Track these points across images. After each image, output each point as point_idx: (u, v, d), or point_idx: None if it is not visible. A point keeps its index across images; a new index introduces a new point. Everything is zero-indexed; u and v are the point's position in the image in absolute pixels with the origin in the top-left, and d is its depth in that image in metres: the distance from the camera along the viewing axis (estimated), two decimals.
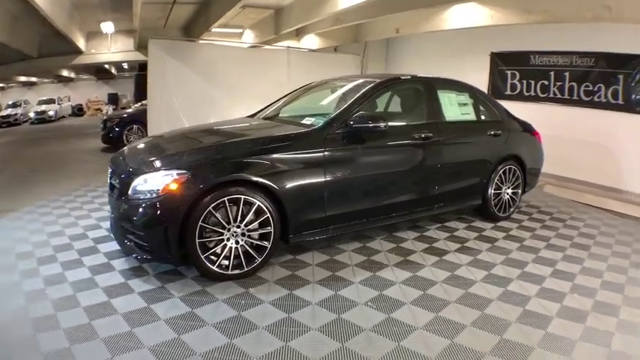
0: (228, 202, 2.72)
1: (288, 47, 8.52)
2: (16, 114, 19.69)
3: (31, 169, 7.18)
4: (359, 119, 3.18)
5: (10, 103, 21.24)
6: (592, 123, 6.13)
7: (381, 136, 3.34)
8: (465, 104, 4.22)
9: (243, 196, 2.74)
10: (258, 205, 2.79)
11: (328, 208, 3.11)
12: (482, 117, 4.36)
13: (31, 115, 20.08)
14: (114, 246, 3.38)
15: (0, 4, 8.44)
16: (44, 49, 12.99)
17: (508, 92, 7.28)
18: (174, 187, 2.63)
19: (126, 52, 14.45)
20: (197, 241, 2.65)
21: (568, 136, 6.20)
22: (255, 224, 2.83)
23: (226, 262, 2.78)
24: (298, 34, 10.20)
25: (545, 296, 2.79)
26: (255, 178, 2.78)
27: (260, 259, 2.87)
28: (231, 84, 7.45)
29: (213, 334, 2.25)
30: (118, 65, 22.44)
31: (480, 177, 4.10)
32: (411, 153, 3.59)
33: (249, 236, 2.82)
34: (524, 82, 7.10)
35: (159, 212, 2.65)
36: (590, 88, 6.14)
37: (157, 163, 2.86)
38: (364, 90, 3.49)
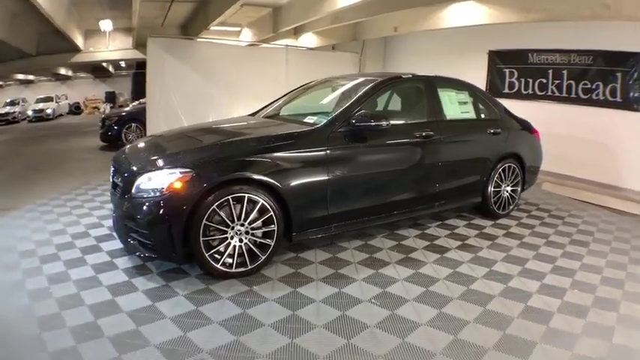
0: (232, 201, 2.73)
1: (287, 46, 8.52)
2: (14, 112, 19.64)
3: (30, 168, 7.17)
4: (361, 118, 3.20)
5: (8, 101, 21.14)
6: (590, 121, 6.16)
7: (383, 135, 3.37)
8: (465, 103, 4.25)
9: (247, 195, 2.75)
10: (262, 204, 2.80)
11: (331, 206, 3.13)
12: (482, 115, 4.39)
13: (29, 113, 20.05)
14: (116, 244, 3.39)
15: (0, 2, 8.42)
16: (43, 47, 12.95)
17: (506, 90, 7.29)
18: (178, 185, 2.64)
19: (124, 50, 14.41)
20: (201, 239, 2.67)
21: (566, 133, 6.23)
22: (259, 222, 2.84)
23: (230, 260, 2.79)
24: (296, 32, 10.20)
25: (546, 292, 2.83)
26: (258, 177, 2.79)
27: (264, 257, 2.89)
28: (230, 82, 7.46)
29: (220, 331, 2.27)
30: (115, 63, 22.36)
31: (480, 175, 4.13)
32: (412, 151, 3.61)
33: (252, 234, 2.84)
34: (523, 80, 7.11)
35: (163, 210, 2.65)
36: (589, 86, 6.16)
37: (161, 162, 2.87)
38: (366, 89, 3.50)
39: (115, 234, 3.52)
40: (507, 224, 4.20)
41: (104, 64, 22.04)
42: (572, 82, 6.37)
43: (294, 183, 2.93)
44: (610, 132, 5.97)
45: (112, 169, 3.26)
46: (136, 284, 2.77)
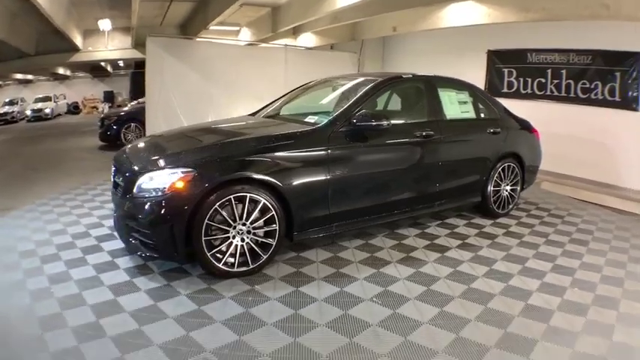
0: (234, 200, 2.73)
1: (286, 45, 8.53)
2: (12, 112, 19.63)
3: (29, 167, 7.15)
4: (362, 117, 3.21)
5: (7, 100, 21.12)
6: (589, 120, 6.18)
7: (383, 135, 3.38)
8: (464, 102, 4.26)
9: (248, 194, 2.76)
10: (264, 203, 2.81)
11: (332, 205, 3.14)
12: (482, 115, 4.40)
13: (28, 112, 20.03)
14: (117, 244, 3.39)
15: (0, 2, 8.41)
16: (42, 46, 12.93)
17: (505, 90, 7.31)
18: (180, 185, 2.65)
19: (123, 50, 14.39)
20: (203, 238, 2.67)
21: (565, 133, 6.25)
22: (261, 222, 2.85)
23: (232, 260, 2.80)
24: (295, 32, 10.20)
25: (546, 291, 2.84)
26: (260, 176, 2.80)
27: (265, 257, 2.90)
28: (229, 82, 7.47)
29: (223, 330, 2.27)
30: (113, 63, 22.32)
31: (479, 174, 4.15)
32: (412, 151, 3.63)
33: (254, 234, 2.84)
34: (521, 79, 7.13)
35: (165, 210, 2.66)
36: (587, 86, 6.18)
37: (163, 161, 2.87)
38: (366, 88, 3.51)
39: (115, 234, 3.52)
40: (507, 223, 4.22)
41: (102, 64, 21.99)
42: (571, 81, 6.39)
43: (295, 182, 2.94)
44: (609, 131, 5.99)
45: (113, 168, 3.26)
46: (138, 284, 2.77)
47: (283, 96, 4.43)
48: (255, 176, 2.79)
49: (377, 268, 3.09)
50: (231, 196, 2.71)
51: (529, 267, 3.22)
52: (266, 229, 2.88)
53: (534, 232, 4.02)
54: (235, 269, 2.81)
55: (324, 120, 3.25)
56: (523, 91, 7.08)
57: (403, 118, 3.91)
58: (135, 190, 2.77)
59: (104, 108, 23.05)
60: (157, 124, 6.81)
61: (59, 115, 22.44)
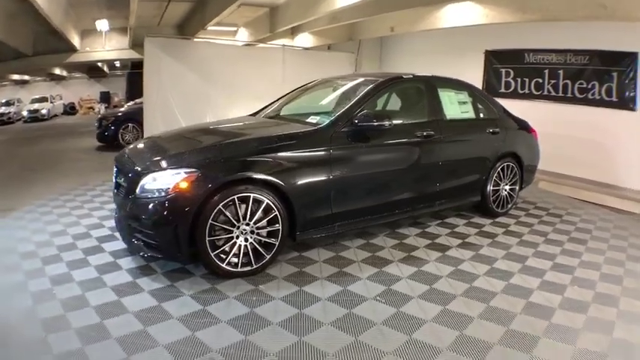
0: (237, 200, 2.74)
1: (284, 45, 8.54)
2: (9, 112, 19.52)
3: (27, 168, 7.11)
4: (364, 118, 3.23)
5: (4, 101, 20.98)
6: (586, 120, 6.23)
7: (385, 135, 3.40)
8: (464, 102, 4.29)
9: (252, 194, 2.76)
10: (267, 203, 2.82)
11: (334, 205, 3.15)
12: (481, 115, 4.43)
13: (24, 113, 19.91)
14: (119, 245, 3.39)
15: None
16: (39, 47, 12.87)
17: (502, 90, 7.36)
18: (184, 185, 2.65)
19: (120, 50, 14.36)
20: (207, 239, 2.67)
21: (562, 133, 6.29)
22: (264, 222, 2.86)
23: (235, 260, 2.81)
24: (293, 32, 10.21)
25: (546, 289, 2.87)
26: (263, 176, 2.81)
27: (269, 257, 2.91)
28: (227, 82, 7.47)
29: (228, 330, 2.28)
30: (110, 63, 22.23)
31: (479, 174, 4.18)
32: (413, 151, 3.65)
33: (257, 234, 2.85)
34: (519, 79, 7.18)
35: (169, 211, 2.66)
36: (584, 86, 6.23)
37: (166, 162, 2.87)
38: (367, 89, 3.53)
39: (117, 234, 3.53)
40: (506, 222, 4.25)
41: (99, 64, 21.91)
42: (568, 81, 6.45)
43: (298, 182, 2.95)
44: (606, 131, 6.04)
45: (115, 169, 3.25)
46: (141, 285, 2.77)
47: (284, 96, 4.44)
48: (258, 176, 2.80)
49: (379, 267, 3.11)
50: (235, 197, 2.72)
51: (529, 265, 3.25)
52: (269, 229, 2.89)
53: (533, 231, 4.06)
54: (239, 269, 2.82)
55: (326, 120, 3.26)
56: (520, 91, 7.13)
57: (404, 119, 3.93)
58: (138, 191, 2.77)
59: (100, 108, 22.97)
60: (155, 124, 6.79)
61: (56, 115, 22.31)
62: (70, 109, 25.32)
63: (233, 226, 2.77)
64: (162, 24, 11.97)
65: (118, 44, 14.06)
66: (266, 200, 2.81)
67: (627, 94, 5.77)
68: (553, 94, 6.66)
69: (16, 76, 24.41)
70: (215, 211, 2.67)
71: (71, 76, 28.29)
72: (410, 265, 3.16)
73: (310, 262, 3.18)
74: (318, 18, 7.83)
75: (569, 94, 6.45)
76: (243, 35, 11.45)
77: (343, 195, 3.19)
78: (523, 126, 4.69)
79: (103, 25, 11.90)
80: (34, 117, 19.61)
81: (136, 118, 8.61)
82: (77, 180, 5.89)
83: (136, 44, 12.92)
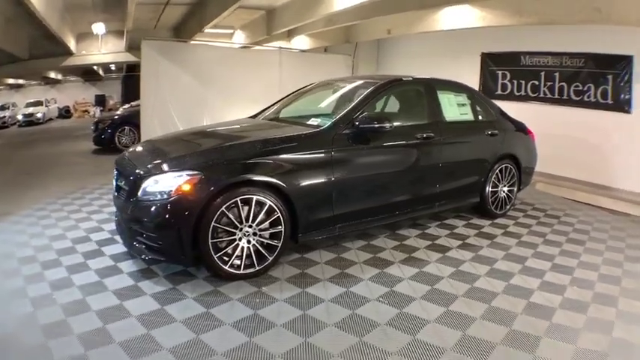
0: (240, 202, 2.75)
1: (280, 48, 8.56)
2: (4, 117, 19.37)
3: (24, 172, 7.05)
4: (365, 120, 3.25)
5: None
6: (582, 122, 6.30)
7: (385, 137, 3.42)
8: (463, 105, 4.33)
9: (255, 196, 2.77)
10: (270, 205, 2.83)
11: (336, 206, 3.17)
12: (480, 117, 4.47)
13: (19, 117, 19.78)
14: (119, 248, 3.38)
15: None
16: (35, 50, 12.80)
17: (499, 92, 7.42)
18: (186, 188, 2.65)
19: (116, 54, 14.31)
20: (210, 241, 2.67)
21: (558, 134, 6.35)
22: (266, 224, 2.86)
23: (238, 262, 2.81)
24: (289, 34, 10.24)
25: (547, 289, 2.90)
26: (265, 178, 2.82)
27: (271, 258, 2.91)
28: (224, 85, 7.47)
29: (232, 333, 2.28)
30: (105, 67, 22.15)
31: (478, 175, 4.22)
32: (413, 152, 3.67)
33: (260, 236, 2.86)
34: (515, 82, 7.25)
35: (172, 213, 2.66)
36: (580, 88, 6.31)
37: (168, 164, 2.87)
38: (368, 91, 3.55)
39: (117, 237, 3.52)
40: (505, 224, 4.28)
41: (95, 68, 21.82)
42: (564, 84, 6.52)
43: (300, 184, 2.96)
44: (601, 133, 6.11)
45: (116, 172, 3.24)
46: (143, 288, 2.75)
47: (283, 98, 4.45)
48: (260, 178, 2.80)
49: (381, 268, 3.13)
50: (238, 199, 2.73)
51: (529, 266, 3.28)
52: (271, 230, 2.89)
53: (532, 232, 4.09)
54: (241, 271, 2.82)
55: (328, 122, 3.28)
56: (517, 93, 7.20)
57: (404, 121, 3.96)
58: (140, 194, 2.77)
59: (96, 112, 22.87)
60: (152, 127, 6.78)
61: (51, 119, 22.17)
62: (65, 113, 25.18)
63: (236, 228, 2.77)
64: (158, 27, 11.95)
65: (114, 47, 14.03)
66: (268, 202, 2.82)
67: (622, 96, 5.85)
68: (549, 96, 6.73)
69: (11, 81, 24.26)
70: (218, 213, 2.67)
71: (66, 80, 28.14)
72: (411, 266, 3.17)
73: (312, 263, 3.19)
74: (314, 20, 7.85)
75: (565, 97, 6.52)
76: (240, 38, 11.46)
77: (344, 196, 3.21)
78: (520, 128, 4.74)
79: (99, 28, 11.86)
80: (29, 121, 19.47)
81: (132, 121, 8.60)
82: (75, 184, 5.85)
83: (132, 47, 12.89)
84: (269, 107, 4.37)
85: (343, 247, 3.49)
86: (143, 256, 2.90)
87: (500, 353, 2.17)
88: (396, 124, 3.50)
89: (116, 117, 9.68)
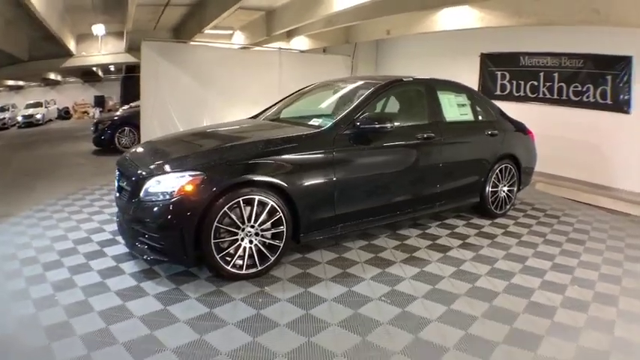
0: (242, 203, 2.75)
1: (280, 49, 8.57)
2: (4, 118, 19.37)
3: (24, 173, 7.04)
4: (366, 120, 3.27)
5: None
6: (581, 122, 6.31)
7: (386, 137, 3.43)
8: (463, 105, 4.35)
9: (257, 196, 2.78)
10: (272, 205, 2.84)
11: (338, 207, 3.18)
12: (480, 117, 4.49)
13: (19, 118, 19.79)
14: (121, 249, 3.38)
15: None
16: (35, 52, 12.80)
17: (498, 92, 7.43)
18: (189, 188, 2.66)
19: (116, 55, 14.32)
20: (212, 241, 2.68)
21: (557, 135, 6.36)
22: (268, 224, 2.87)
23: (240, 262, 2.82)
24: (288, 35, 10.25)
25: (547, 288, 2.92)
26: (268, 179, 2.83)
27: (273, 258, 2.92)
28: (224, 86, 7.49)
29: (236, 332, 2.29)
30: (104, 68, 22.14)
31: (478, 175, 4.23)
32: (414, 153, 3.69)
33: (262, 236, 2.87)
34: (514, 82, 7.27)
35: (174, 213, 2.67)
36: (579, 89, 6.33)
37: (170, 165, 2.87)
38: (369, 92, 3.57)
39: (119, 238, 3.52)
40: (505, 223, 4.30)
41: (94, 69, 21.82)
42: (563, 84, 6.54)
43: (302, 184, 2.98)
44: (601, 133, 6.13)
45: (118, 173, 3.24)
46: (146, 288, 2.76)
47: (284, 99, 4.46)
48: (263, 179, 2.82)
49: (382, 268, 3.14)
50: (240, 199, 2.74)
51: (529, 265, 3.29)
52: (273, 231, 2.90)
53: (532, 231, 4.11)
54: (244, 271, 2.83)
55: (329, 123, 3.29)
56: (516, 94, 7.22)
57: (405, 121, 3.97)
58: (142, 194, 2.78)
59: (95, 113, 22.85)
60: (152, 128, 6.79)
61: (50, 120, 22.19)
62: (65, 114, 25.20)
63: (238, 228, 2.78)
64: (158, 28, 11.95)
65: (113, 48, 14.02)
66: (271, 202, 2.83)
67: (621, 97, 5.87)
68: (548, 96, 6.75)
69: (10, 82, 24.24)
70: (220, 213, 2.68)
71: (65, 81, 28.12)
72: (412, 266, 3.19)
73: (314, 263, 3.20)
74: (314, 21, 7.86)
75: (564, 97, 6.54)
76: (239, 38, 11.46)
77: (346, 196, 3.22)
78: (520, 128, 4.76)
79: (99, 29, 11.87)
80: (29, 122, 19.49)
81: (132, 121, 8.60)
82: (75, 184, 5.85)
83: (132, 48, 12.88)
84: (270, 108, 4.38)
85: (344, 247, 3.50)
86: (145, 257, 2.91)
87: (503, 352, 2.18)
88: (396, 124, 3.51)
89: (116, 118, 9.67)
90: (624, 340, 2.35)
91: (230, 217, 2.74)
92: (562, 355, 2.17)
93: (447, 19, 6.97)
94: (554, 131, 6.32)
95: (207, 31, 9.61)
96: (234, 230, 2.77)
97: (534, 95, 6.93)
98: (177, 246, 2.69)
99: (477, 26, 6.45)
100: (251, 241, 2.83)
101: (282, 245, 2.94)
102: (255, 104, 4.85)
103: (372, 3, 6.01)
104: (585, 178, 6.17)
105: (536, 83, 6.88)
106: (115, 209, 3.72)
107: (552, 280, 3.04)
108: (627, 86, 5.77)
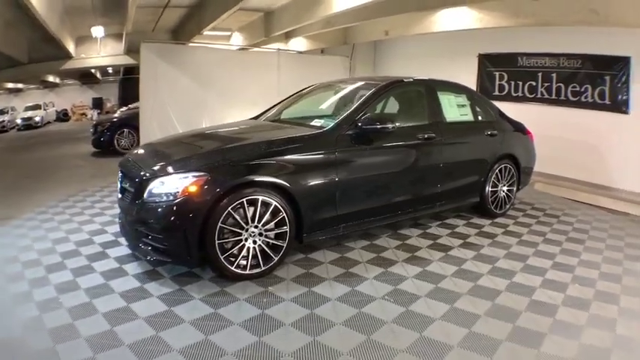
0: (246, 203, 2.77)
1: (279, 50, 8.59)
2: (3, 121, 19.33)
3: (24, 176, 7.03)
4: (368, 121, 3.29)
5: None
6: (579, 123, 6.34)
7: (388, 137, 3.46)
8: (463, 105, 4.38)
9: (261, 197, 2.80)
10: (275, 206, 2.85)
11: (340, 207, 3.20)
12: (479, 118, 4.52)
13: (18, 121, 19.77)
14: (123, 250, 3.39)
15: None
16: (34, 54, 12.77)
17: (496, 93, 7.45)
18: (193, 189, 2.67)
19: (115, 56, 14.31)
20: (217, 242, 2.69)
21: (556, 135, 6.40)
22: (272, 224, 2.89)
23: (244, 262, 2.83)
24: (287, 36, 10.27)
25: (549, 287, 2.94)
26: (271, 179, 2.84)
27: (277, 258, 2.94)
28: (223, 87, 7.50)
29: (241, 333, 2.30)
30: (102, 69, 22.13)
31: (478, 175, 4.26)
32: (415, 153, 3.71)
33: (266, 236, 2.88)
34: (512, 82, 7.29)
35: (178, 214, 2.68)
36: (577, 89, 6.36)
37: (174, 166, 2.88)
38: (369, 92, 3.59)
39: (121, 239, 3.53)
40: (505, 223, 4.33)
41: (92, 71, 21.80)
42: (561, 84, 6.57)
43: (305, 185, 2.99)
44: (599, 133, 6.16)
45: (120, 174, 3.25)
46: (150, 290, 2.76)
47: (285, 99, 4.48)
48: (266, 179, 2.83)
49: (384, 267, 3.16)
50: (244, 199, 2.75)
51: (530, 264, 3.32)
52: (277, 231, 2.92)
53: (532, 231, 4.13)
54: (247, 272, 2.84)
55: (331, 123, 3.31)
56: (514, 94, 7.25)
57: (406, 121, 3.99)
58: (145, 196, 2.79)
59: (93, 114, 22.82)
60: (152, 130, 6.79)
61: (49, 122, 22.18)
62: (63, 116, 25.16)
63: (242, 228, 2.79)
64: (156, 29, 11.96)
65: (112, 50, 14.01)
66: (274, 203, 2.84)
67: (620, 97, 5.90)
68: (546, 96, 6.78)
69: (10, 85, 24.22)
70: (224, 214, 2.69)
71: (64, 83, 28.05)
72: (414, 265, 3.21)
73: (316, 263, 3.21)
74: (313, 22, 7.88)
75: (562, 97, 6.56)
76: (238, 40, 11.49)
77: (348, 196, 3.24)
78: (519, 128, 4.79)
79: (98, 31, 11.86)
80: (28, 125, 19.50)
81: (131, 123, 8.60)
82: (75, 186, 5.85)
83: (131, 50, 12.88)
84: (270, 108, 4.40)
85: (346, 247, 3.52)
86: (149, 258, 2.91)
87: (507, 349, 2.20)
88: (397, 124, 3.53)
89: (115, 119, 9.67)
90: (626, 337, 2.38)
91: (234, 218, 2.75)
92: (565, 353, 2.19)
93: (445, 20, 7.00)
94: (553, 131, 6.35)
95: (205, 32, 9.63)
96: (238, 231, 2.78)
97: (532, 95, 6.97)
98: (181, 247, 2.71)
99: (476, 27, 6.48)
100: (255, 242, 2.85)
101: (285, 245, 2.95)
102: (254, 105, 4.86)
103: (372, 4, 6.04)
104: (584, 178, 6.21)
105: (534, 84, 6.91)
106: (117, 210, 3.72)
107: (553, 279, 3.07)
108: (625, 86, 5.80)
